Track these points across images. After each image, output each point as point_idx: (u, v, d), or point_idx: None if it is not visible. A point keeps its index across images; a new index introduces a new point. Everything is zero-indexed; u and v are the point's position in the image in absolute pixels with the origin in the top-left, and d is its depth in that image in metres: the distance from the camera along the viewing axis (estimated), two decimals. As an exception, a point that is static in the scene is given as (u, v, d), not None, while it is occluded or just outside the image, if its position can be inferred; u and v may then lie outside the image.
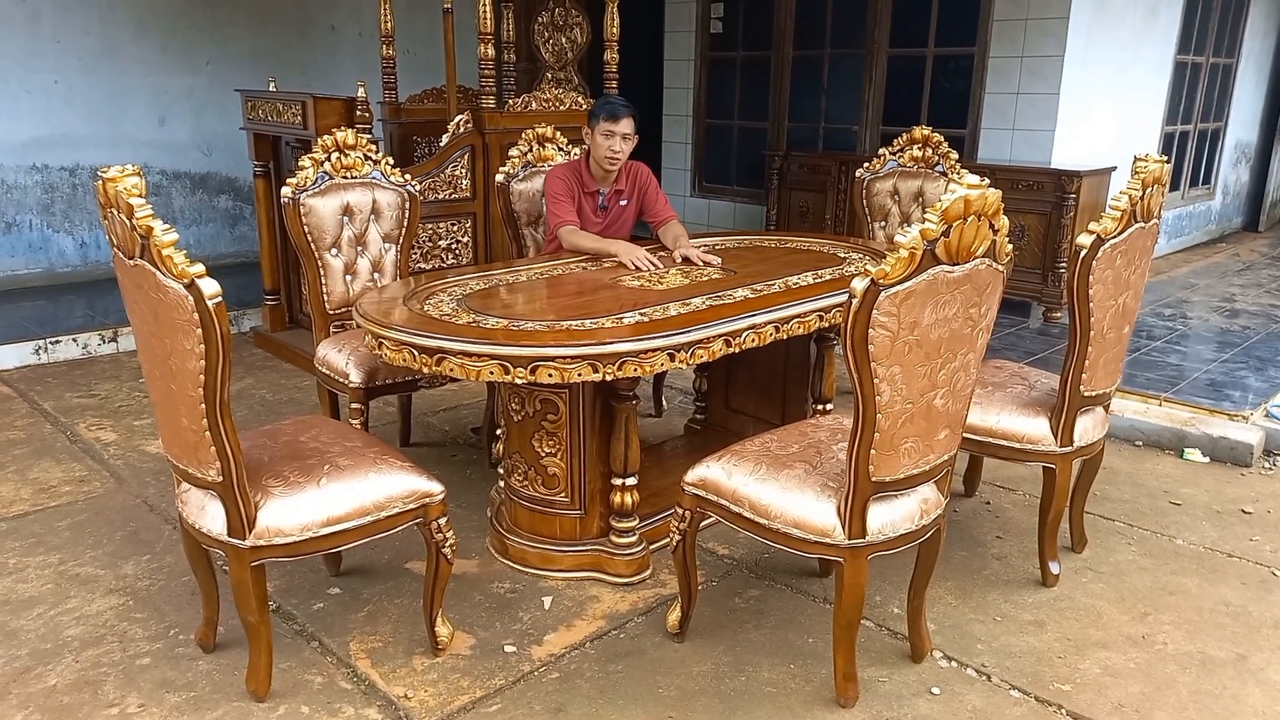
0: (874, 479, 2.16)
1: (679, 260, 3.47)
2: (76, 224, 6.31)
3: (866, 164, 4.48)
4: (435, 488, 2.39)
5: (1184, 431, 4.00)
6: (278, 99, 4.76)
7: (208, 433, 2.08)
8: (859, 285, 1.99)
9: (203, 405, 2.05)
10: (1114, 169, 5.84)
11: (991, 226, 2.10)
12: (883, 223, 4.45)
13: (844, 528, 2.20)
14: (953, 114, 6.37)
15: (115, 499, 3.42)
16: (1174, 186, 7.77)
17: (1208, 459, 3.91)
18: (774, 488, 2.31)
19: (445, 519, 2.41)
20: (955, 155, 4.24)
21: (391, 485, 2.34)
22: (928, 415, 2.19)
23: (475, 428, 4.11)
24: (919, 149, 4.31)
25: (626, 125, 3.55)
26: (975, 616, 2.75)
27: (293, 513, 2.21)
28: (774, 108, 7.50)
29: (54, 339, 5.04)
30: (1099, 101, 6.27)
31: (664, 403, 4.42)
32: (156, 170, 6.57)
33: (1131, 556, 3.11)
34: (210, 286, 1.95)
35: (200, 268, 1.95)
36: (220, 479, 2.12)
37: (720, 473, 2.41)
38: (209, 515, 2.22)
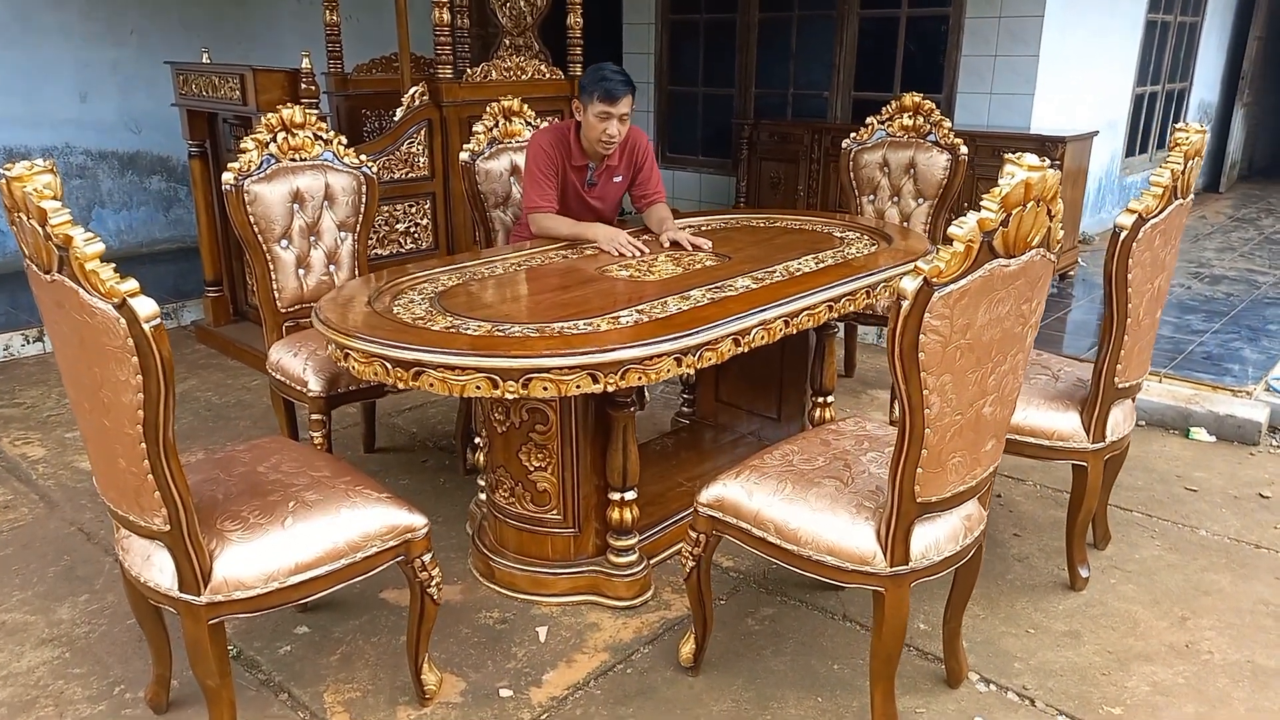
0: (919, 499, 1.92)
1: (666, 245, 3.21)
2: (-7, 211, 5.79)
3: (853, 134, 4.23)
4: (418, 521, 2.10)
5: (1188, 410, 3.85)
6: (213, 72, 4.34)
7: (150, 476, 1.76)
8: (909, 285, 1.74)
9: (143, 445, 1.73)
10: (1096, 134, 5.67)
11: (1048, 212, 1.86)
12: (871, 196, 4.21)
13: (885, 554, 1.96)
14: (927, 78, 6.14)
15: (46, 527, 3.06)
16: (1142, 149, 7.66)
17: (1214, 438, 3.77)
18: (803, 509, 2.06)
19: (430, 555, 2.13)
20: (949, 124, 4.01)
21: (367, 521, 2.04)
22: (976, 425, 1.95)
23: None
24: (909, 117, 4.07)
25: (625, 105, 3.16)
26: (1007, 629, 2.55)
27: (254, 561, 1.90)
28: (740, 73, 7.20)
29: (-29, 340, 4.60)
30: (1077, 63, 6.09)
31: (645, 393, 4.15)
32: (80, 150, 6.07)
33: (1157, 552, 2.94)
34: (146, 307, 1.62)
35: (133, 284, 1.62)
36: (167, 528, 1.81)
37: (740, 492, 2.15)
38: (155, 566, 1.90)
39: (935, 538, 2.02)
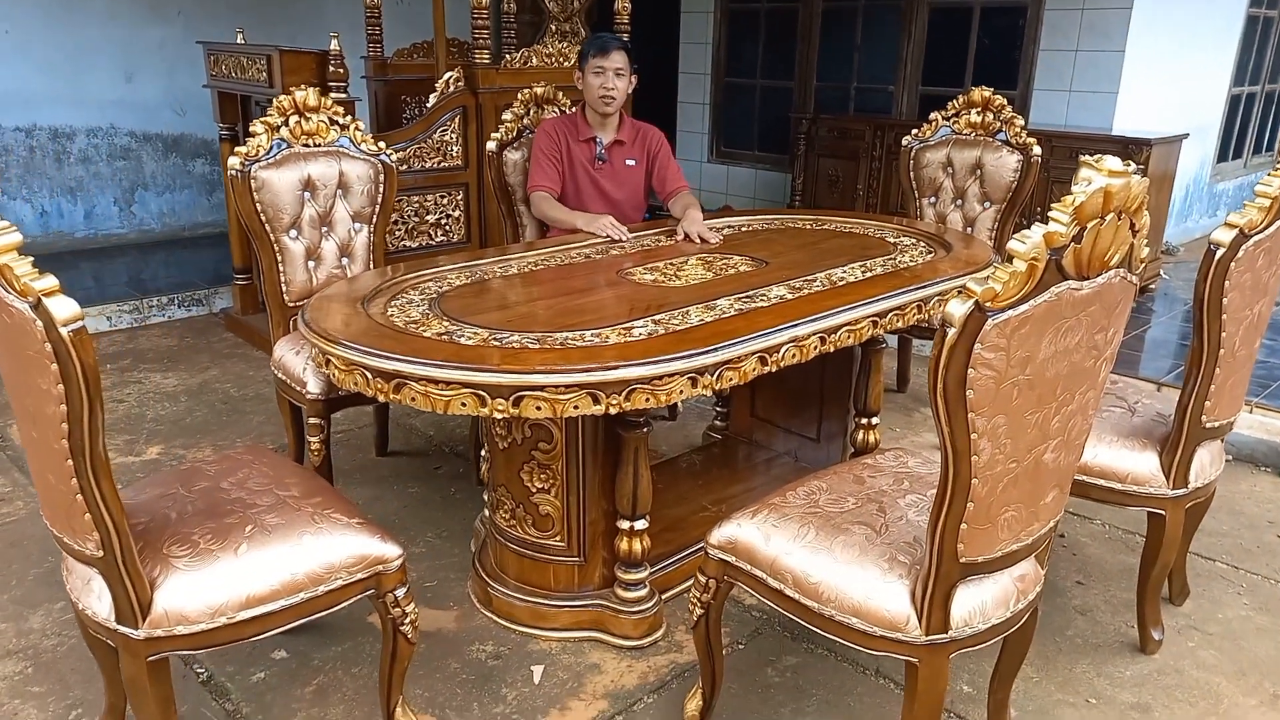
0: (963, 559, 1.64)
1: (680, 237, 3.07)
2: (35, 190, 5.76)
3: (915, 130, 3.90)
4: (390, 551, 1.88)
5: (1282, 446, 3.45)
6: (241, 53, 4.20)
7: (79, 496, 1.56)
8: (957, 310, 1.45)
9: (69, 462, 1.53)
10: (1185, 136, 5.23)
11: (1131, 227, 1.56)
12: (932, 199, 3.88)
13: (920, 620, 1.68)
14: (1001, 73, 5.74)
15: (38, 524, 2.90)
16: (1236, 154, 7.12)
17: (1312, 479, 3.37)
18: (826, 561, 1.78)
19: (404, 590, 1.90)
20: (1021, 122, 3.66)
21: (332, 550, 1.82)
22: (1035, 475, 1.66)
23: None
24: (978, 114, 3.73)
25: (618, 59, 3.18)
26: (1064, 696, 2.23)
27: (200, 592, 1.70)
28: (801, 65, 6.87)
29: None
30: (1167, 61, 5.63)
31: (679, 405, 3.89)
32: (125, 131, 6.02)
33: (1244, 612, 2.59)
34: (64, 309, 1.42)
35: (51, 281, 1.42)
36: (100, 554, 1.61)
37: (756, 534, 1.89)
38: (94, 593, 1.71)
39: (981, 602, 1.72)
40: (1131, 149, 4.85)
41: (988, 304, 1.44)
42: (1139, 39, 5.30)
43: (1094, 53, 5.37)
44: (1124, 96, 5.36)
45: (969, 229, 3.73)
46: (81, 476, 1.54)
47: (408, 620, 1.91)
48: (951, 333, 1.46)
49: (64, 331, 1.41)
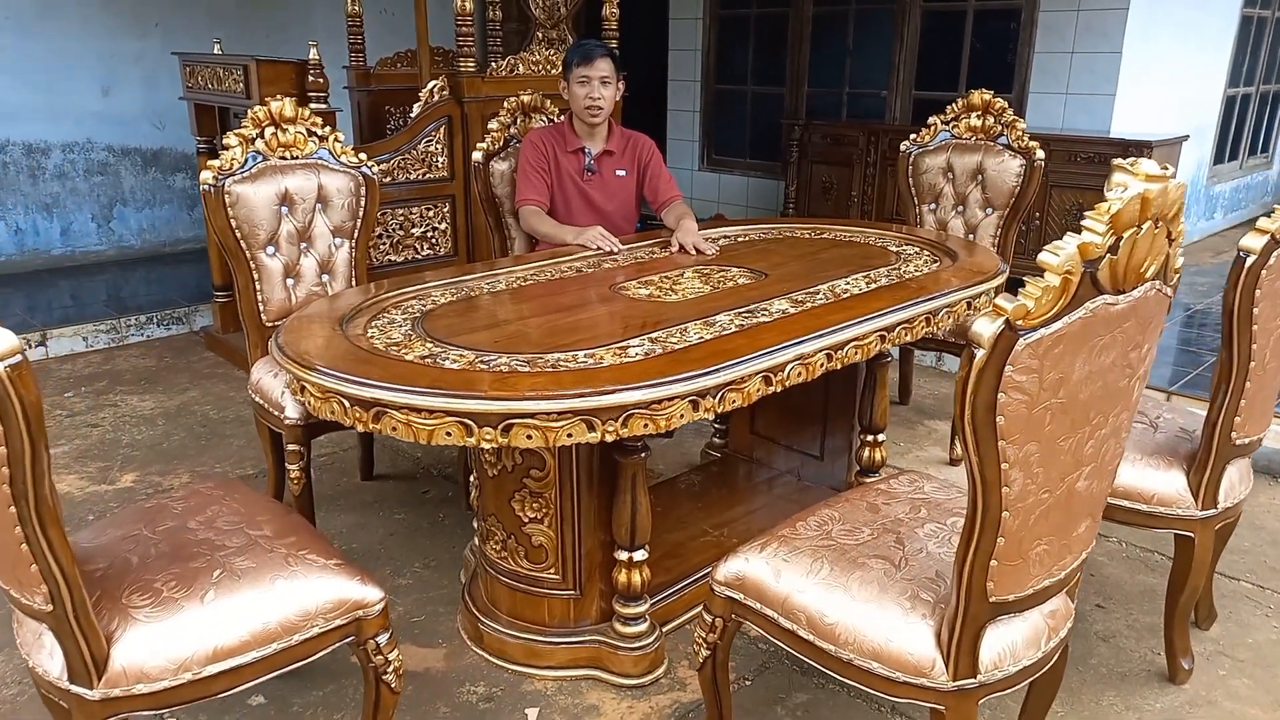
0: (993, 599, 1.51)
1: (675, 248, 2.95)
2: (9, 207, 5.59)
3: (913, 135, 3.79)
4: (371, 594, 1.74)
5: (1300, 456, 3.34)
6: (218, 63, 4.06)
7: (24, 545, 1.42)
8: (986, 330, 1.32)
9: (11, 509, 1.39)
10: (1185, 138, 5.14)
11: (1168, 235, 1.44)
12: (932, 205, 3.77)
13: (947, 664, 1.55)
14: (996, 77, 5.64)
15: (3, 559, 2.77)
16: (1232, 156, 7.05)
17: (1331, 491, 3.26)
18: (843, 598, 1.65)
19: (387, 636, 1.76)
20: (1023, 125, 3.55)
21: (308, 595, 1.68)
22: (1068, 505, 1.53)
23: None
24: (978, 117, 3.62)
25: (603, 67, 3.06)
26: (1090, 733, 2.11)
27: (163, 646, 1.56)
28: (792, 71, 6.77)
29: (-28, 343, 4.37)
30: (1164, 62, 5.54)
31: (676, 421, 3.76)
32: (102, 146, 5.86)
33: (1274, 635, 2.46)
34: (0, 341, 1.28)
35: (-13, 311, 1.28)
36: (49, 608, 1.47)
37: (765, 570, 1.76)
38: (45, 649, 1.57)
39: (1011, 642, 1.60)
40: (1132, 151, 4.75)
41: (1019, 322, 1.32)
42: (1136, 40, 5.21)
43: (1091, 54, 5.28)
44: (1121, 98, 5.27)
45: (971, 236, 3.62)
46: (25, 524, 1.40)
47: (391, 669, 1.77)
48: (980, 354, 1.33)
49: (0, 367, 1.28)
